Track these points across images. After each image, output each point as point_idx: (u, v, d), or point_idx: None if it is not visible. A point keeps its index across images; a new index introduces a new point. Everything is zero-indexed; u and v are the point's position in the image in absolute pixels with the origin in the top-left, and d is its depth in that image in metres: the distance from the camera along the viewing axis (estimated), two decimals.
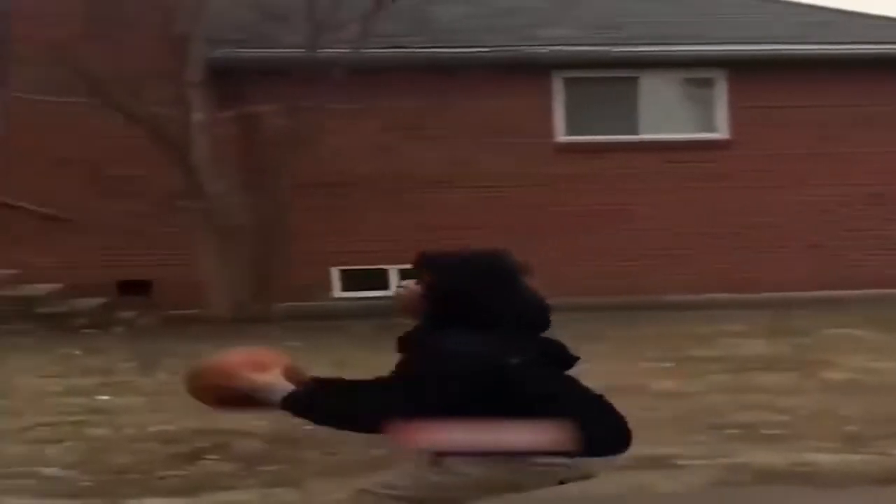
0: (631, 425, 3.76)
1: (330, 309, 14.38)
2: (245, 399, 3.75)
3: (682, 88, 15.99)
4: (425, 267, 3.89)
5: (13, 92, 13.23)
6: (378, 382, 3.64)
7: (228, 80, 14.11)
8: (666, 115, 15.65)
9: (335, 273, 15.19)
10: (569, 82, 15.55)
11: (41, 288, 13.82)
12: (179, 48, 13.30)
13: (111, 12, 12.78)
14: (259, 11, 13.94)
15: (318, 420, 3.78)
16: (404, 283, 3.98)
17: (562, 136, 15.57)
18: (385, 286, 14.66)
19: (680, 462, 6.55)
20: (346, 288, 15.23)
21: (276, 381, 3.70)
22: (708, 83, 15.83)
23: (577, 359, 3.87)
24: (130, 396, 8.85)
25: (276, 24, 13.86)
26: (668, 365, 9.98)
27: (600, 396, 3.79)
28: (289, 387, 3.67)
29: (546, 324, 3.92)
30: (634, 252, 15.32)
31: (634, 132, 15.58)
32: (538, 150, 15.23)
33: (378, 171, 14.26)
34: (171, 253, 14.10)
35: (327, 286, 15.12)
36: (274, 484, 6.17)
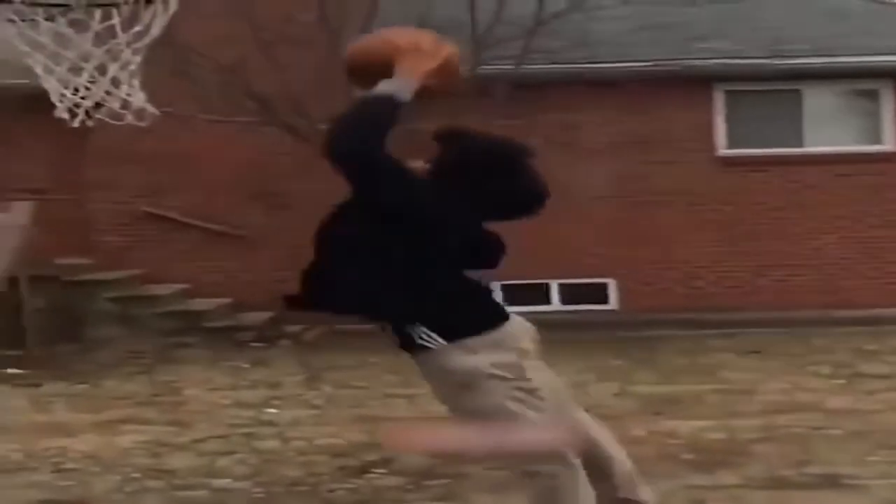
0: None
1: None
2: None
3: (847, 100, 15.65)
4: (440, 139, 4.02)
5: (183, 112, 13.61)
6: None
7: None
8: (830, 128, 15.32)
9: (497, 287, 15.19)
10: (730, 95, 15.36)
11: (209, 302, 14.19)
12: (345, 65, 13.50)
13: (278, 34, 13.07)
14: (422, 27, 14.05)
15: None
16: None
17: (724, 150, 15.37)
18: (547, 301, 14.66)
19: (856, 482, 6.38)
20: (508, 303, 15.19)
21: (409, 70, 3.77)
22: (873, 95, 15.45)
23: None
24: (298, 409, 9.01)
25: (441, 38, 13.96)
26: (839, 382, 9.75)
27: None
28: (406, 92, 3.73)
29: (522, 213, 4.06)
30: (799, 266, 15.02)
31: (799, 145, 15.28)
32: (700, 163, 15.08)
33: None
34: None
35: None
36: (440, 499, 6.20)
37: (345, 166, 3.71)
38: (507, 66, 13.59)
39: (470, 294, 3.92)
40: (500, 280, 13.77)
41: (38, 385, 10.77)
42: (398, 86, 3.74)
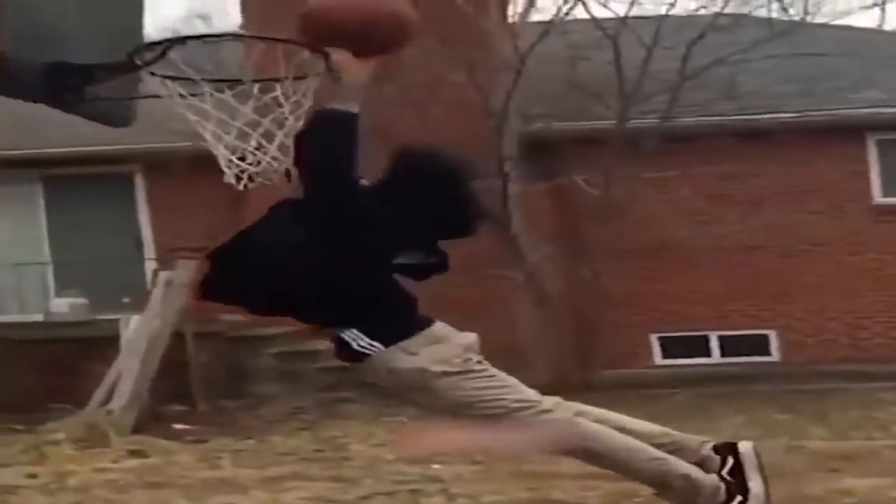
0: None
1: (651, 376, 14.32)
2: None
3: None
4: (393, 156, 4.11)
5: None
6: None
7: (542, 152, 14.42)
8: None
9: (654, 339, 15.14)
10: (882, 144, 15.10)
11: None
12: (496, 123, 13.72)
13: (428, 92, 13.30)
14: (569, 86, 14.24)
15: None
16: None
17: (879, 198, 15.10)
18: (707, 353, 14.54)
19: None
20: (666, 355, 15.14)
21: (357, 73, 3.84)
22: None
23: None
24: (462, 464, 9.02)
25: (585, 96, 14.12)
26: None
27: None
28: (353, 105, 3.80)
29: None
30: None
31: None
32: (856, 212, 14.84)
33: (693, 237, 14.19)
34: (491, 321, 14.38)
35: (647, 353, 15.09)
36: None
37: (324, 188, 3.82)
38: (655, 120, 13.66)
39: (402, 299, 4.02)
40: (658, 333, 13.65)
41: (204, 441, 11.01)
42: (354, 98, 3.85)
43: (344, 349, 3.98)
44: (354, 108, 3.84)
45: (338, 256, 3.84)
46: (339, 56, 3.85)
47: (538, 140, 14.47)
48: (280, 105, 4.13)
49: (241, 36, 4.02)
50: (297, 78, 4.08)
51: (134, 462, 9.99)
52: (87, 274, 14.72)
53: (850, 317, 14.73)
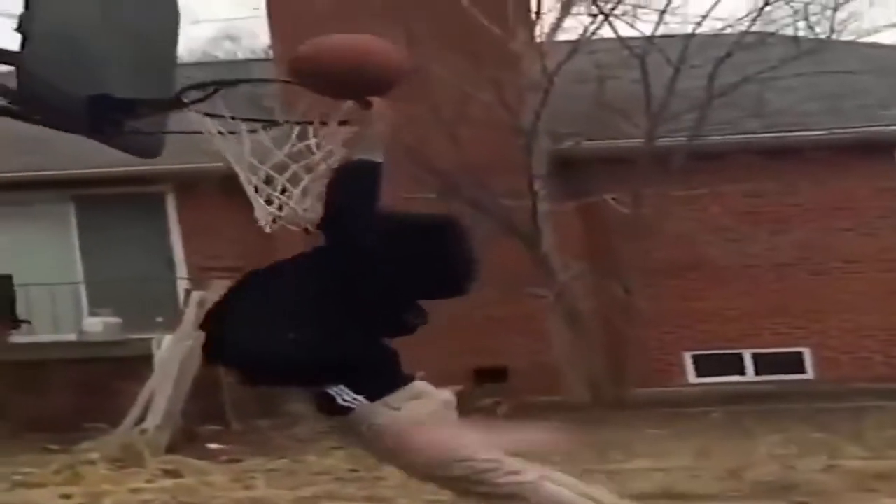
0: None
1: (684, 395, 14.26)
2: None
3: None
4: None
5: None
6: None
7: (571, 170, 14.45)
8: None
9: (688, 358, 15.09)
10: None
11: None
12: (525, 141, 13.76)
13: (457, 112, 13.34)
14: (597, 104, 14.29)
15: None
16: None
17: None
18: (741, 371, 14.51)
19: None
20: (700, 373, 15.08)
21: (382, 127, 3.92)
22: None
23: None
24: None
25: (613, 115, 14.16)
26: None
27: None
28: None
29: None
30: None
31: None
32: (887, 229, 14.77)
33: (723, 255, 14.16)
34: (524, 339, 14.42)
35: (680, 371, 15.05)
36: None
37: (347, 241, 3.85)
38: (683, 138, 13.68)
39: (387, 353, 4.03)
40: (691, 351, 13.56)
41: (238, 460, 11.02)
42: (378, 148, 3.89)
43: (326, 403, 3.98)
44: (379, 157, 3.88)
45: (341, 312, 3.87)
46: (380, 105, 3.89)
47: (567, 159, 14.51)
48: (312, 151, 4.19)
49: (289, 82, 4.03)
50: (338, 123, 4.13)
51: (168, 482, 10.01)
52: (119, 293, 14.80)
53: (884, 334, 14.65)
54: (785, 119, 14.72)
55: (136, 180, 15.41)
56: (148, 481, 10.04)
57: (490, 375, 14.66)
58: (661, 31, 14.50)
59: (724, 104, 14.01)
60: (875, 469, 8.87)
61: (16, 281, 15.09)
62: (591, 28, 14.51)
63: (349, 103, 3.99)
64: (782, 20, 15.19)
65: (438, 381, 13.10)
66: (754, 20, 14.80)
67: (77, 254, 16.17)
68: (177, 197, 16.10)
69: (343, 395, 3.92)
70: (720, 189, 13.96)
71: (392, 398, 3.95)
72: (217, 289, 13.20)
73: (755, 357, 14.86)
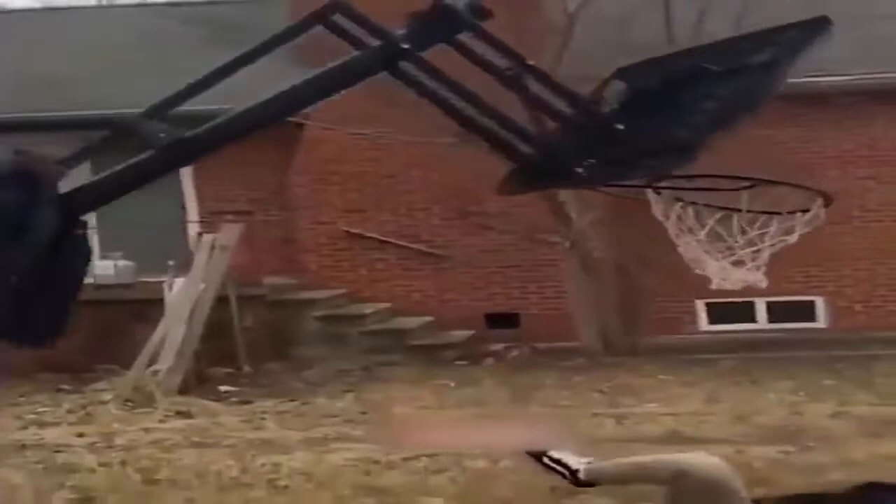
0: None
1: (697, 342, 14.17)
2: None
3: None
4: None
5: (384, 133, 13.82)
6: None
7: None
8: None
9: (701, 305, 14.99)
10: None
11: (413, 321, 14.33)
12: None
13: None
14: (618, 48, 14.07)
15: None
16: None
17: None
18: (753, 319, 14.41)
19: None
20: (712, 321, 14.99)
21: None
22: None
23: None
24: None
25: (634, 59, 13.98)
26: None
27: None
28: None
29: None
30: None
31: None
32: None
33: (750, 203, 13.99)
34: (537, 286, 14.36)
35: (694, 319, 14.96)
36: None
37: None
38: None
39: None
40: (705, 298, 13.52)
41: (248, 402, 11.06)
42: None
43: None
44: None
45: None
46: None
47: None
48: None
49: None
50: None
51: (180, 422, 10.09)
52: (131, 237, 14.75)
53: None
54: (811, 65, 14.48)
55: None
56: (160, 421, 10.13)
57: (501, 321, 14.60)
58: None
59: None
60: (882, 415, 8.89)
61: None
62: None
63: None
64: None
65: (449, 325, 13.21)
66: None
67: None
68: None
69: None
70: (740, 135, 13.77)
71: None
72: (228, 232, 13.19)
73: (768, 305, 14.75)
